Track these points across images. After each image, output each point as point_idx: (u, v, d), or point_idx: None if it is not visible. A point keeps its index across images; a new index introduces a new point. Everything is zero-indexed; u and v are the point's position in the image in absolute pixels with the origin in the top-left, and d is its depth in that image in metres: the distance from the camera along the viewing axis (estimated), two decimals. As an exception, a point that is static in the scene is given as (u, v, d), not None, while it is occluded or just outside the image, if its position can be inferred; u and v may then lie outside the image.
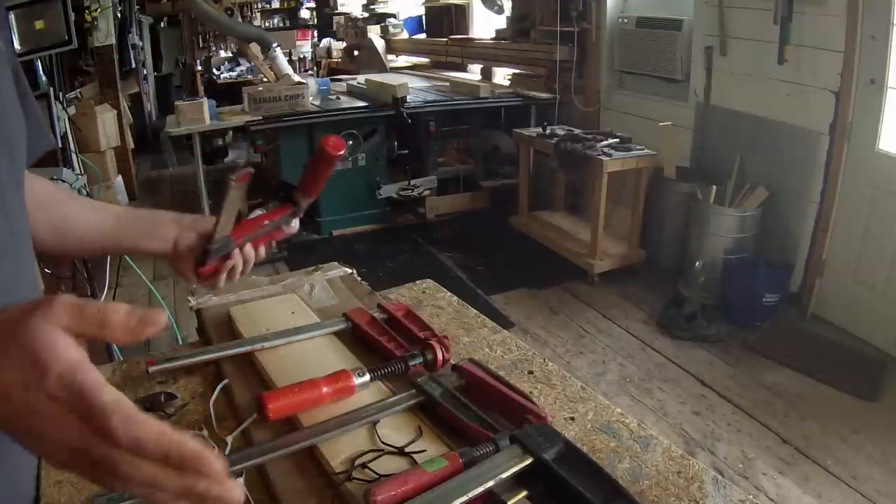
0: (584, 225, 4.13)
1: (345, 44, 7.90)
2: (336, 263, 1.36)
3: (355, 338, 1.04)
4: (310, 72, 8.51)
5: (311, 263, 1.38)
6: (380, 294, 1.25)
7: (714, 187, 3.39)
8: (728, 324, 3.20)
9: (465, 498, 0.66)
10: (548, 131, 4.10)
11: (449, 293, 1.31)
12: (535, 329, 3.30)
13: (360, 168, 4.52)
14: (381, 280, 2.94)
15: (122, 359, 1.12)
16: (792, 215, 3.32)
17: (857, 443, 2.40)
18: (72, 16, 2.63)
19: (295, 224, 0.91)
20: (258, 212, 0.88)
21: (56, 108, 2.64)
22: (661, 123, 3.70)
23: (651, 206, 3.78)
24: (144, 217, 0.87)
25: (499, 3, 5.27)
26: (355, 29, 7.39)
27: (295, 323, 1.05)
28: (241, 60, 8.40)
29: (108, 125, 4.62)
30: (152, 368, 0.94)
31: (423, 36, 6.94)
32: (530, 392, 0.94)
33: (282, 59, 4.83)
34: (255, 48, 4.91)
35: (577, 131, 4.03)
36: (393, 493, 0.66)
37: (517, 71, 5.11)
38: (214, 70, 8.77)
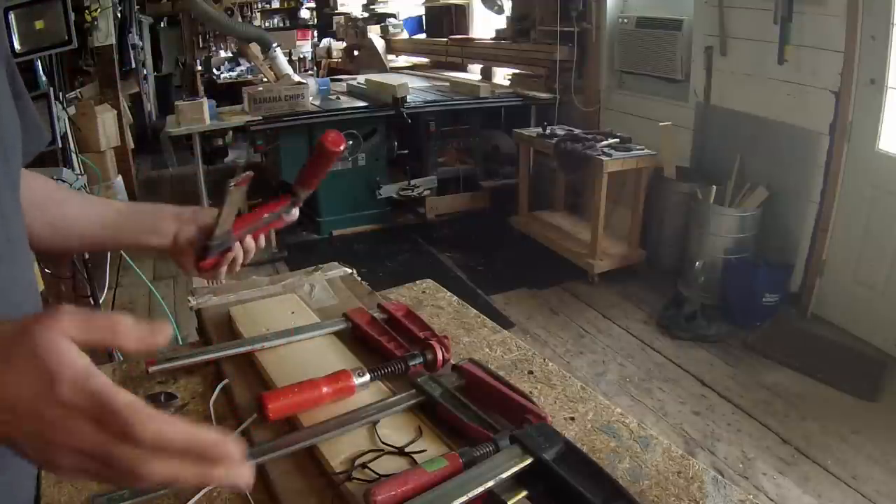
0: (584, 225, 4.13)
1: (345, 44, 7.90)
2: (336, 263, 1.36)
3: (355, 338, 1.04)
4: (310, 72, 8.51)
5: (311, 263, 1.38)
6: (380, 294, 1.25)
7: (714, 187, 3.39)
8: (728, 324, 3.20)
9: (465, 498, 0.66)
10: (548, 131, 4.10)
11: (449, 293, 1.31)
12: (535, 329, 3.30)
13: (360, 168, 4.52)
14: (381, 280, 2.94)
15: (121, 359, 1.12)
16: (792, 215, 3.32)
17: (857, 443, 2.40)
18: (72, 16, 2.62)
19: (295, 213, 0.90)
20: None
21: (56, 108, 2.64)
22: (661, 123, 3.70)
23: (651, 206, 3.78)
24: (144, 212, 0.87)
25: (499, 3, 5.27)
26: (355, 29, 7.39)
27: (295, 323, 1.05)
28: (241, 60, 8.40)
29: (108, 125, 4.62)
30: (152, 368, 0.94)
31: (423, 36, 6.94)
32: (530, 392, 0.94)
33: (282, 59, 4.83)
34: (255, 48, 4.91)
35: (577, 131, 4.03)
36: (393, 493, 0.66)
37: (517, 71, 5.11)
38: (214, 70, 8.77)
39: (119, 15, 5.39)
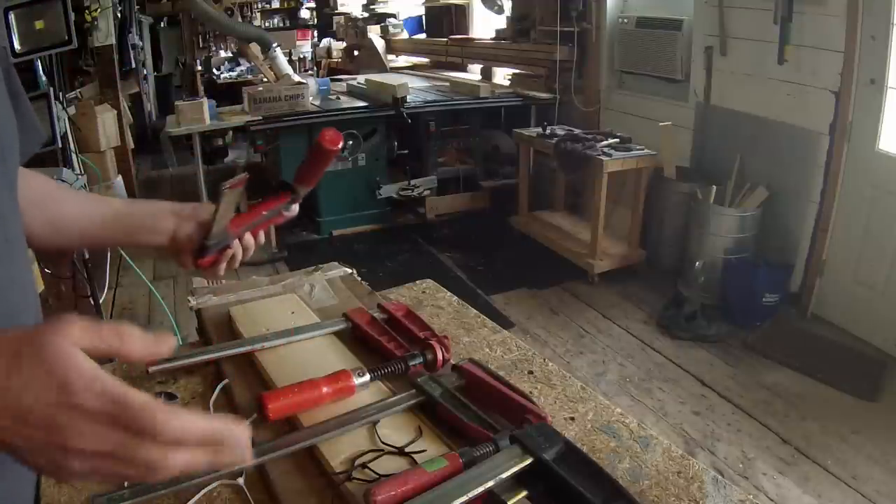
0: (584, 225, 4.13)
1: (345, 44, 7.90)
2: (336, 263, 1.36)
3: (355, 338, 1.04)
4: (310, 72, 8.51)
5: (311, 263, 1.38)
6: (380, 294, 1.25)
7: (714, 187, 3.39)
8: (728, 324, 3.20)
9: (465, 498, 0.66)
10: (548, 131, 4.10)
11: (449, 293, 1.31)
12: (535, 329, 3.30)
13: (360, 168, 4.52)
14: (381, 280, 2.94)
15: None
16: (792, 215, 3.32)
17: (857, 443, 2.40)
18: (72, 16, 2.62)
19: (295, 208, 0.90)
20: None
21: (56, 108, 2.64)
22: (661, 123, 3.70)
23: (651, 206, 3.78)
24: (142, 209, 0.87)
25: (499, 3, 5.27)
26: (355, 29, 7.39)
27: (295, 323, 1.05)
28: (241, 60, 8.40)
29: (108, 125, 4.62)
30: (152, 368, 0.94)
31: (423, 36, 6.94)
32: (530, 392, 0.94)
33: (282, 59, 4.83)
34: (255, 48, 4.91)
35: (577, 131, 4.03)
36: (393, 493, 0.66)
37: (517, 71, 5.11)
38: (214, 70, 8.76)
39: (119, 15, 5.39)
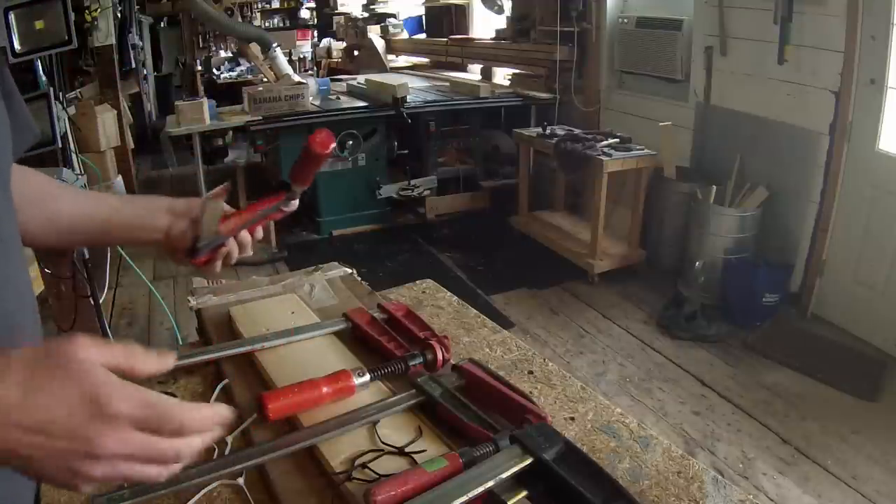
0: (584, 225, 4.13)
1: (345, 44, 7.90)
2: (336, 263, 1.36)
3: (355, 338, 1.04)
4: (310, 72, 8.51)
5: (311, 263, 1.38)
6: (380, 294, 1.25)
7: (714, 187, 3.39)
8: (728, 324, 3.20)
9: (465, 498, 0.67)
10: (548, 131, 4.10)
11: (449, 293, 1.31)
12: (535, 329, 3.30)
13: (360, 168, 4.52)
14: (381, 280, 2.94)
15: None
16: (792, 215, 3.32)
17: (857, 443, 2.40)
18: (72, 16, 2.62)
19: (294, 203, 0.89)
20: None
21: (56, 108, 2.63)
22: (661, 123, 3.70)
23: (651, 206, 3.78)
24: (137, 207, 0.86)
25: (499, 3, 5.27)
26: (355, 29, 7.39)
27: (295, 323, 1.06)
28: (241, 60, 8.40)
29: (108, 125, 4.62)
30: (152, 368, 0.93)
31: (423, 36, 6.94)
32: (530, 392, 0.94)
33: (282, 59, 4.83)
34: (255, 48, 4.91)
35: (577, 131, 4.03)
36: (393, 493, 0.66)
37: (517, 71, 5.11)
38: (214, 70, 8.76)
39: (119, 15, 5.39)
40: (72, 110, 4.08)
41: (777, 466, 2.30)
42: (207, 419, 0.49)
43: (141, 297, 3.62)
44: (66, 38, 2.58)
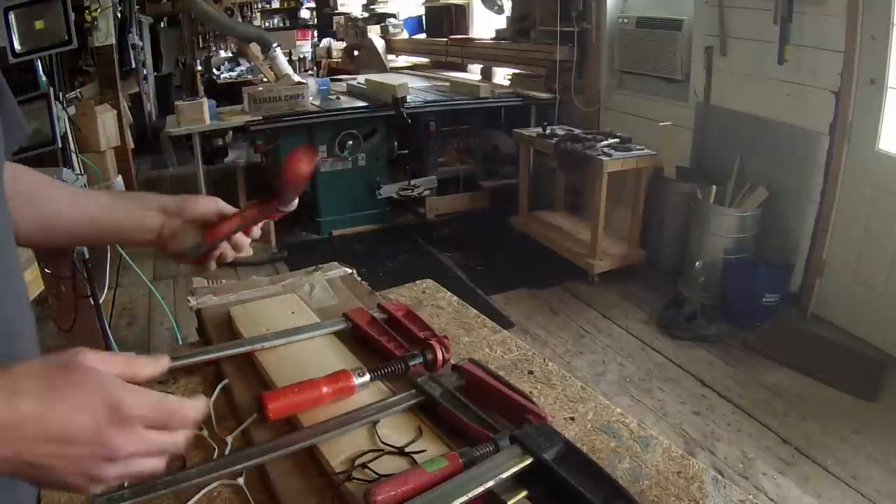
0: (584, 225, 4.13)
1: (345, 44, 7.90)
2: (336, 263, 1.36)
3: (355, 338, 1.04)
4: (310, 72, 8.51)
5: (311, 263, 1.38)
6: (380, 294, 1.25)
7: (714, 187, 3.39)
8: (728, 324, 3.20)
9: (465, 498, 0.66)
10: (548, 131, 4.10)
11: (449, 293, 1.31)
12: (535, 329, 3.30)
13: (360, 168, 4.52)
14: (381, 280, 2.94)
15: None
16: (792, 215, 3.32)
17: (857, 443, 2.40)
18: (72, 16, 2.61)
19: (293, 203, 0.86)
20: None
21: (56, 108, 2.63)
22: (661, 123, 3.70)
23: (651, 206, 3.78)
24: (129, 207, 0.85)
25: (499, 3, 5.27)
26: (355, 29, 7.39)
27: (295, 323, 1.05)
28: (241, 60, 8.40)
29: (108, 125, 4.62)
30: (152, 368, 0.93)
31: (423, 36, 6.94)
32: (530, 392, 0.94)
33: (282, 59, 4.83)
34: (255, 48, 4.91)
35: (577, 131, 4.03)
36: (393, 493, 0.66)
37: (517, 71, 5.11)
38: (214, 70, 8.76)
39: (119, 15, 5.39)
40: (72, 110, 4.07)
41: (777, 466, 2.30)
42: (199, 412, 0.54)
43: (141, 297, 3.62)
44: (66, 38, 2.57)
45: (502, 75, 5.50)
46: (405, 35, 6.93)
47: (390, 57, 6.89)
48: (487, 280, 3.88)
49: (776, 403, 2.65)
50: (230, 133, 5.58)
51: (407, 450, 0.77)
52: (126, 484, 0.72)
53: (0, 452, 0.44)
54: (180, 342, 2.95)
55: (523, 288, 3.75)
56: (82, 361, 0.48)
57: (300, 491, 0.74)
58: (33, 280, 2.75)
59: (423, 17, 7.05)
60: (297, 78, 4.84)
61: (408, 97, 4.39)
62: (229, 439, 0.83)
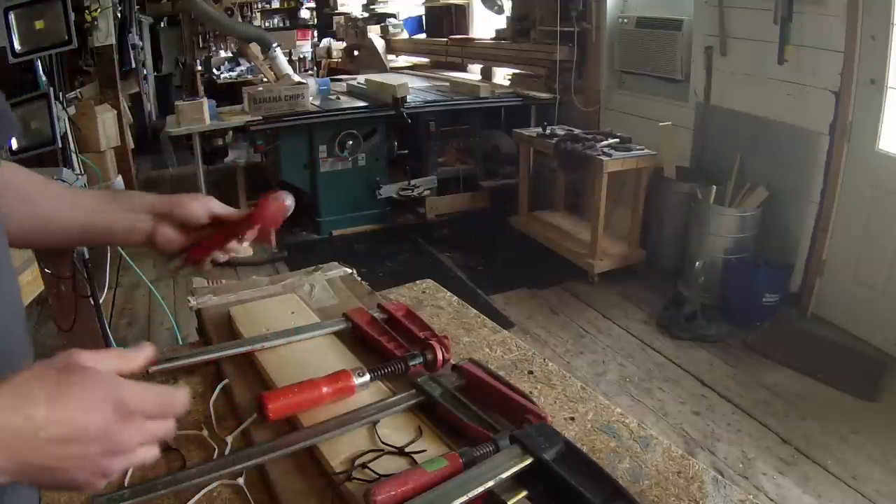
0: (584, 225, 4.13)
1: (345, 44, 7.90)
2: (336, 263, 1.36)
3: (355, 338, 1.04)
4: (310, 72, 8.51)
5: (311, 263, 1.38)
6: (380, 294, 1.25)
7: (714, 187, 3.39)
8: (728, 324, 3.20)
9: (465, 498, 0.67)
10: (548, 131, 4.10)
11: (449, 293, 1.31)
12: (535, 329, 3.30)
13: (360, 168, 4.52)
14: (381, 280, 2.94)
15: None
16: (792, 215, 3.32)
17: (857, 443, 2.40)
18: (72, 16, 2.61)
19: (290, 203, 0.87)
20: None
21: (56, 108, 2.63)
22: (661, 123, 3.70)
23: (651, 206, 3.78)
24: (120, 209, 0.83)
25: (499, 3, 5.27)
26: (355, 29, 7.39)
27: (295, 323, 1.05)
28: (241, 60, 8.40)
29: (108, 125, 4.62)
30: (152, 368, 0.94)
31: (423, 36, 6.94)
32: (530, 392, 0.94)
33: (282, 59, 4.83)
34: (255, 48, 4.91)
35: (577, 131, 4.03)
36: (393, 493, 0.66)
37: (517, 71, 5.11)
38: (214, 70, 8.76)
39: (119, 15, 5.39)
40: (72, 110, 4.07)
41: (777, 466, 2.30)
42: (186, 399, 0.56)
43: (141, 297, 3.62)
44: (66, 38, 2.57)
45: (502, 75, 5.50)
46: (405, 35, 6.93)
47: (390, 57, 6.89)
48: (487, 280, 3.88)
49: (776, 403, 2.65)
50: (230, 133, 5.58)
51: (407, 450, 0.77)
52: (126, 484, 0.72)
53: (17, 461, 0.45)
54: (180, 342, 2.95)
55: (523, 288, 3.75)
56: (79, 362, 0.49)
57: (300, 491, 0.74)
58: (33, 280, 2.75)
59: (423, 17, 7.05)
60: (297, 78, 4.84)
61: (408, 97, 4.39)
62: (229, 439, 0.83)
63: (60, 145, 2.77)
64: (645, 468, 0.80)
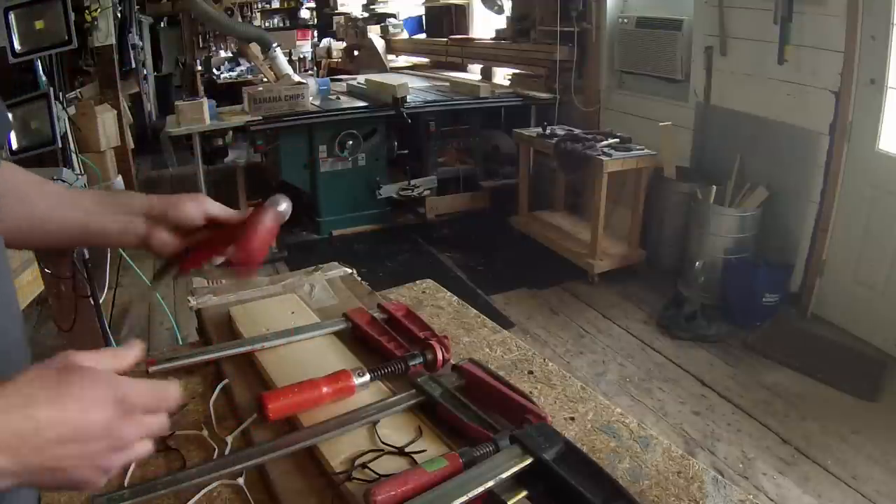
0: (584, 225, 4.13)
1: (345, 44, 7.91)
2: (336, 263, 1.36)
3: (355, 338, 1.04)
4: (310, 72, 8.51)
5: (311, 263, 1.38)
6: (380, 294, 1.25)
7: (714, 187, 3.39)
8: (728, 324, 3.20)
9: (465, 498, 0.66)
10: (548, 131, 4.10)
11: (449, 293, 1.31)
12: (535, 329, 3.30)
13: (360, 168, 4.52)
14: (381, 280, 2.94)
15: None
16: (792, 215, 3.32)
17: (857, 443, 2.40)
18: (72, 16, 2.61)
19: (287, 209, 0.82)
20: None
21: (56, 108, 2.63)
22: (661, 123, 3.70)
23: (651, 206, 3.78)
24: (115, 212, 0.81)
25: (499, 3, 5.27)
26: (355, 29, 7.39)
27: (295, 323, 1.05)
28: (241, 60, 8.40)
29: (108, 125, 4.62)
30: (152, 368, 0.94)
31: (423, 36, 6.94)
32: (530, 392, 0.94)
33: (282, 59, 4.83)
34: (255, 48, 4.91)
35: (577, 131, 4.03)
36: (393, 493, 0.66)
37: (517, 71, 5.11)
38: (214, 70, 8.76)
39: (119, 15, 5.39)
40: (72, 110, 4.07)
41: (777, 466, 2.30)
42: (178, 393, 0.56)
43: (141, 296, 3.62)
44: (66, 38, 2.57)
45: (502, 75, 5.50)
46: (405, 35, 6.93)
47: (390, 57, 6.89)
48: (487, 280, 3.88)
49: (776, 403, 2.65)
50: (230, 133, 5.58)
51: (407, 450, 0.77)
52: (126, 484, 0.72)
53: (21, 462, 0.45)
54: (180, 342, 2.95)
55: (523, 288, 3.75)
56: (76, 362, 0.50)
57: (300, 491, 0.74)
58: (33, 280, 2.75)
59: (423, 17, 7.05)
60: (297, 78, 4.84)
61: (408, 97, 4.39)
62: (229, 439, 0.83)
63: (60, 145, 2.77)
64: (645, 468, 0.80)
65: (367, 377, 0.87)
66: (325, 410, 0.83)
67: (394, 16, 7.11)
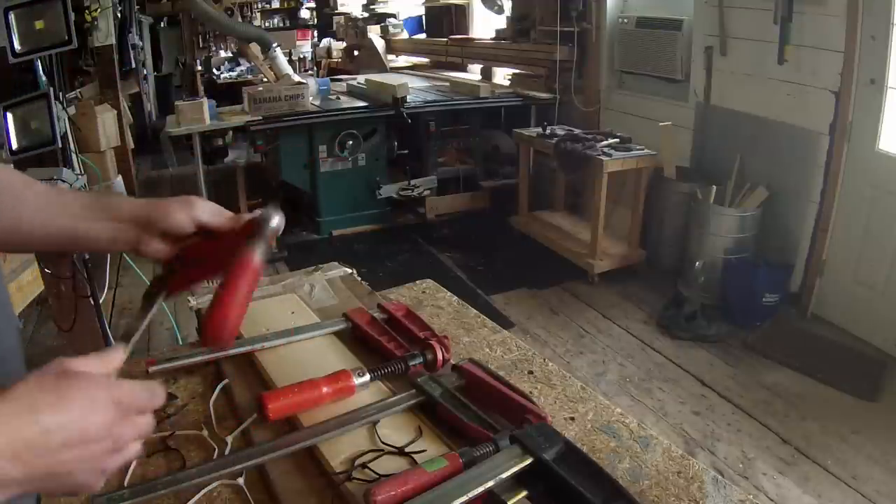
0: (584, 225, 4.13)
1: (345, 44, 7.91)
2: (336, 263, 1.36)
3: (355, 338, 1.04)
4: (310, 72, 8.51)
5: (311, 263, 1.38)
6: (380, 294, 1.25)
7: (714, 187, 3.39)
8: (728, 324, 3.20)
9: (465, 498, 0.67)
10: (548, 131, 4.10)
11: (449, 293, 1.31)
12: (535, 329, 3.30)
13: (360, 168, 4.52)
14: (381, 280, 2.94)
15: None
16: (792, 215, 3.32)
17: (857, 443, 2.40)
18: (72, 16, 2.61)
19: (280, 222, 0.75)
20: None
21: (56, 108, 2.63)
22: (661, 123, 3.70)
23: (651, 206, 3.78)
24: (104, 218, 0.79)
25: (499, 3, 5.27)
26: (355, 29, 7.39)
27: (295, 323, 1.06)
28: (241, 60, 8.40)
29: (108, 125, 4.62)
30: (152, 369, 0.94)
31: (423, 36, 6.94)
32: (530, 392, 0.94)
33: (282, 59, 4.83)
34: (255, 48, 4.91)
35: (577, 131, 4.03)
36: (393, 493, 0.66)
37: (517, 71, 5.11)
38: (214, 70, 8.76)
39: (119, 15, 5.39)
40: (72, 110, 4.07)
41: (777, 466, 2.30)
42: (163, 392, 0.57)
43: (141, 296, 3.61)
44: (66, 38, 2.57)
45: (502, 75, 5.50)
46: (405, 35, 6.93)
47: (390, 57, 6.89)
48: (487, 280, 3.88)
49: (776, 403, 2.65)
50: (230, 133, 5.57)
51: (407, 450, 0.77)
52: (126, 484, 0.72)
53: (29, 470, 0.45)
54: (180, 342, 2.95)
55: (523, 288, 3.75)
56: (71, 367, 0.51)
57: (300, 491, 0.74)
58: (33, 280, 2.75)
59: (423, 17, 7.05)
60: (297, 78, 4.84)
61: (408, 97, 4.39)
62: (229, 439, 0.83)
63: (60, 145, 2.77)
64: (645, 468, 0.80)
65: (367, 377, 0.87)
66: (325, 410, 0.83)
67: (394, 16, 7.11)
